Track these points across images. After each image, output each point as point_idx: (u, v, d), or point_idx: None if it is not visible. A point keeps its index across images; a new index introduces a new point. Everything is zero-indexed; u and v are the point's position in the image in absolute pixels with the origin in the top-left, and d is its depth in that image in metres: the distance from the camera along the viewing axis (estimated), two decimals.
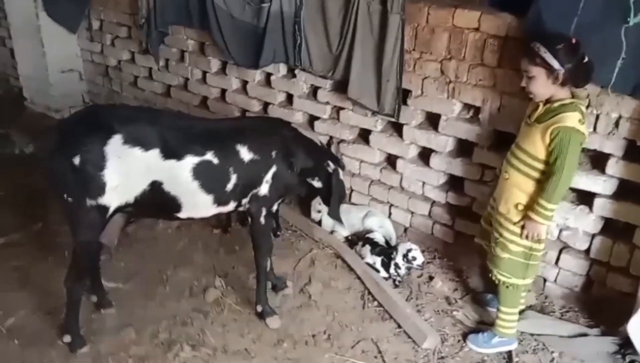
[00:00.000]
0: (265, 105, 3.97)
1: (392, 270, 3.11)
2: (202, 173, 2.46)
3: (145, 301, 2.95)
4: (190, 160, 2.43)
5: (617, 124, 2.54)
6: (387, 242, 3.31)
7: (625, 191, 2.65)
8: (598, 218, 2.74)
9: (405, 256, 3.07)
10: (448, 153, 3.17)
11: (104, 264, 3.03)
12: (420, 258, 3.10)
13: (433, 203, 3.34)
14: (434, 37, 2.98)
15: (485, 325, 2.81)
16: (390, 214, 3.53)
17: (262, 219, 2.68)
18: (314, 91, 3.66)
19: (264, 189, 2.62)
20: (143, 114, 2.59)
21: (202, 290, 3.06)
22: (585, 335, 2.70)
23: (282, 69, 3.77)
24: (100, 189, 2.31)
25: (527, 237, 2.46)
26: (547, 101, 2.37)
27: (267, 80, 3.89)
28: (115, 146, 2.30)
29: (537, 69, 2.29)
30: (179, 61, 4.42)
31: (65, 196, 2.35)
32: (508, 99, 2.84)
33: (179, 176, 2.43)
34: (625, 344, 2.56)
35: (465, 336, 2.75)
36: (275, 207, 2.74)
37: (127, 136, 2.32)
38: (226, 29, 3.76)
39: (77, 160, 2.26)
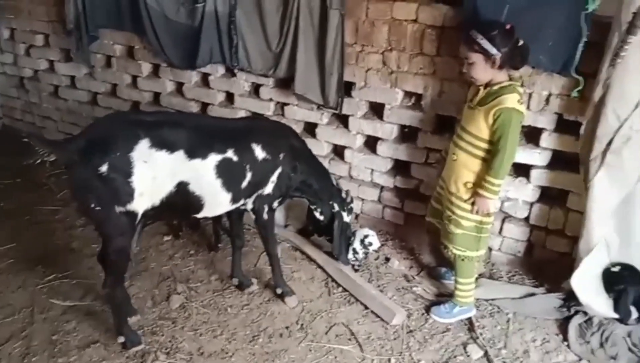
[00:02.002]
0: (204, 106, 3.94)
1: (350, 256, 3.22)
2: (224, 171, 2.50)
3: (107, 316, 2.84)
4: (214, 158, 2.47)
5: (547, 100, 2.81)
6: None
7: (557, 161, 2.94)
8: (535, 188, 3.01)
9: (362, 241, 3.21)
10: (394, 139, 3.33)
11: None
12: (376, 243, 3.26)
13: (382, 188, 3.50)
14: (375, 30, 3.12)
15: (444, 296, 3.00)
16: None
17: (266, 216, 2.81)
18: (255, 89, 3.69)
19: (269, 188, 2.73)
20: (164, 117, 2.59)
21: (164, 297, 3.00)
22: (533, 294, 2.97)
23: (221, 68, 3.76)
24: (129, 195, 2.28)
25: (477, 212, 2.65)
26: (487, 85, 2.55)
27: (205, 80, 3.86)
28: (141, 151, 2.28)
29: (476, 55, 2.46)
30: (105, 67, 4.25)
31: (92, 205, 2.29)
32: (448, 85, 3.04)
33: (204, 175, 2.47)
34: (569, 297, 2.85)
35: (428, 309, 2.92)
36: (276, 204, 2.85)
37: (153, 140, 2.30)
38: (161, 30, 3.69)
39: (104, 168, 2.22)
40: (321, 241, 3.36)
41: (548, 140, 2.89)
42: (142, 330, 2.75)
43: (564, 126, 2.84)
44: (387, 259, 3.33)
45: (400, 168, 3.43)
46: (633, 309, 2.72)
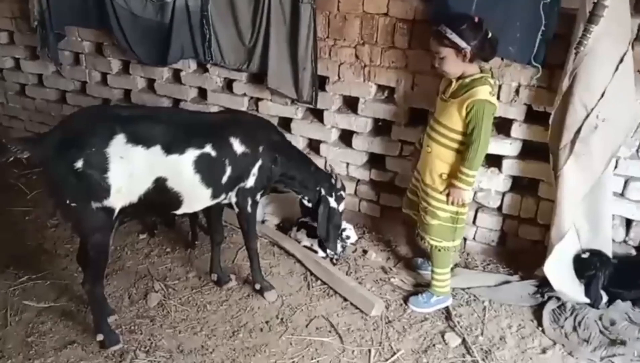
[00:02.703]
0: (176, 102, 3.90)
1: (329, 250, 3.24)
2: (202, 166, 2.47)
3: (84, 316, 2.81)
4: (192, 153, 2.44)
5: (517, 92, 2.87)
6: None
7: (528, 151, 3.00)
8: (507, 177, 3.08)
9: (339, 235, 3.23)
10: (368, 133, 3.36)
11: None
12: (353, 237, 3.30)
13: (358, 181, 3.52)
14: (346, 24, 3.13)
15: (421, 286, 3.05)
16: None
17: (249, 209, 2.79)
18: (228, 84, 3.66)
19: (250, 181, 2.70)
20: (141, 111, 2.57)
21: (142, 296, 2.98)
22: (507, 282, 3.04)
23: (192, 64, 3.73)
24: (105, 191, 2.26)
25: (452, 203, 2.70)
26: (459, 77, 2.59)
27: (177, 76, 3.82)
28: (117, 146, 2.25)
29: (447, 50, 2.49)
30: (74, 64, 4.17)
31: (67, 201, 2.26)
32: (420, 78, 3.08)
33: (182, 171, 2.43)
34: (542, 284, 2.92)
35: (406, 300, 2.96)
36: (259, 197, 2.83)
37: (129, 135, 2.27)
38: (128, 27, 3.62)
39: (79, 164, 2.18)
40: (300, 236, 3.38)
41: (518, 130, 2.95)
42: (120, 329, 2.72)
43: (533, 117, 2.91)
44: (365, 251, 3.37)
45: (375, 161, 3.46)
46: (603, 293, 2.81)
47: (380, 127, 3.37)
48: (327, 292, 3.03)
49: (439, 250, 2.84)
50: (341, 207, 3.15)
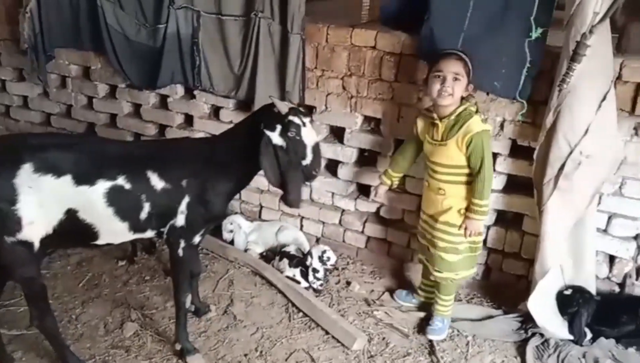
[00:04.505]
0: (162, 128, 3.88)
1: (310, 278, 3.19)
2: (115, 199, 2.31)
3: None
4: (103, 185, 2.29)
5: (502, 126, 2.89)
6: (302, 254, 3.39)
7: (513, 185, 3.01)
8: (492, 211, 3.07)
9: (320, 257, 3.19)
10: (354, 163, 3.35)
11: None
12: (333, 258, 3.26)
13: (343, 211, 3.50)
14: (335, 55, 3.16)
15: (404, 320, 3.00)
16: (302, 226, 3.63)
17: (180, 252, 2.50)
18: (215, 111, 3.66)
19: (180, 220, 2.44)
20: (53, 140, 2.42)
21: (118, 325, 2.89)
22: (491, 316, 3.01)
23: (180, 90, 3.72)
24: (17, 224, 2.14)
25: (469, 235, 2.71)
26: (442, 118, 2.61)
27: (163, 102, 3.81)
28: (24, 176, 2.14)
29: (464, 73, 2.55)
30: (60, 87, 4.14)
31: None
32: (405, 110, 3.10)
33: (94, 202, 2.28)
34: (526, 320, 2.89)
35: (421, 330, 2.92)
36: (197, 239, 2.54)
37: (37, 163, 2.16)
38: (121, 50, 3.64)
39: None
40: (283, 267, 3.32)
41: (503, 164, 2.96)
42: (93, 359, 2.64)
43: (518, 151, 2.93)
44: (348, 283, 3.32)
45: (361, 191, 3.45)
46: (587, 330, 2.78)
47: (366, 158, 3.36)
48: (309, 325, 2.96)
49: (452, 281, 2.84)
50: (308, 139, 2.36)
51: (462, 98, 2.60)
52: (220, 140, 2.60)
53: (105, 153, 2.40)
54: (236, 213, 3.78)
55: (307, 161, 2.38)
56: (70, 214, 2.26)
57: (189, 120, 3.78)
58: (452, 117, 2.59)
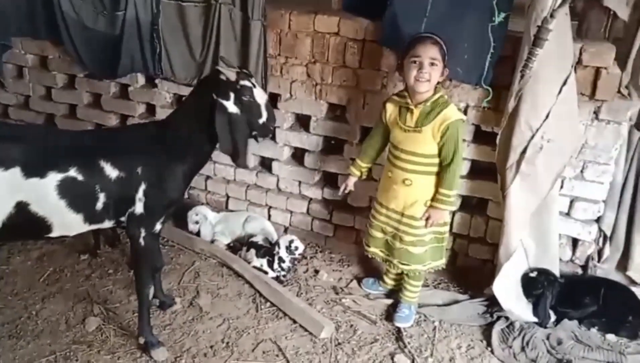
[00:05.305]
0: (124, 118, 3.78)
1: (276, 266, 3.16)
2: (67, 191, 2.24)
3: (15, 342, 2.63)
4: (54, 177, 2.22)
5: (465, 112, 2.90)
6: (270, 243, 3.36)
7: (476, 170, 3.03)
8: (457, 197, 3.08)
9: (288, 247, 3.16)
10: (320, 151, 3.32)
11: None
12: (301, 247, 3.22)
13: (310, 200, 3.47)
14: (298, 42, 3.11)
15: (371, 307, 3.00)
16: (269, 216, 3.59)
17: (142, 241, 2.46)
18: (178, 100, 3.58)
19: (138, 208, 2.40)
20: (5, 130, 2.33)
21: (80, 320, 2.81)
22: (457, 301, 3.03)
23: (141, 79, 3.63)
24: None
25: (431, 225, 2.68)
26: (417, 104, 2.57)
27: (124, 92, 3.71)
28: None
29: (440, 57, 2.50)
30: (17, 77, 4.00)
31: None
32: (370, 96, 3.07)
33: (46, 195, 2.21)
34: (491, 303, 2.92)
35: (390, 317, 2.91)
36: (158, 227, 2.50)
37: None
38: (79, 39, 3.52)
39: None
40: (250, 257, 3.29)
41: (467, 150, 2.97)
42: (54, 356, 2.56)
43: (481, 137, 2.94)
44: (316, 271, 3.30)
45: (328, 179, 3.43)
46: (551, 312, 2.83)
47: (333, 146, 3.34)
48: (276, 314, 2.94)
49: (419, 273, 2.84)
50: (260, 99, 2.42)
51: (438, 83, 2.57)
52: (172, 120, 2.55)
53: (55, 143, 2.32)
54: (202, 203, 3.72)
55: (263, 118, 2.45)
56: (21, 207, 2.18)
57: (151, 109, 3.69)
58: (428, 103, 2.55)
